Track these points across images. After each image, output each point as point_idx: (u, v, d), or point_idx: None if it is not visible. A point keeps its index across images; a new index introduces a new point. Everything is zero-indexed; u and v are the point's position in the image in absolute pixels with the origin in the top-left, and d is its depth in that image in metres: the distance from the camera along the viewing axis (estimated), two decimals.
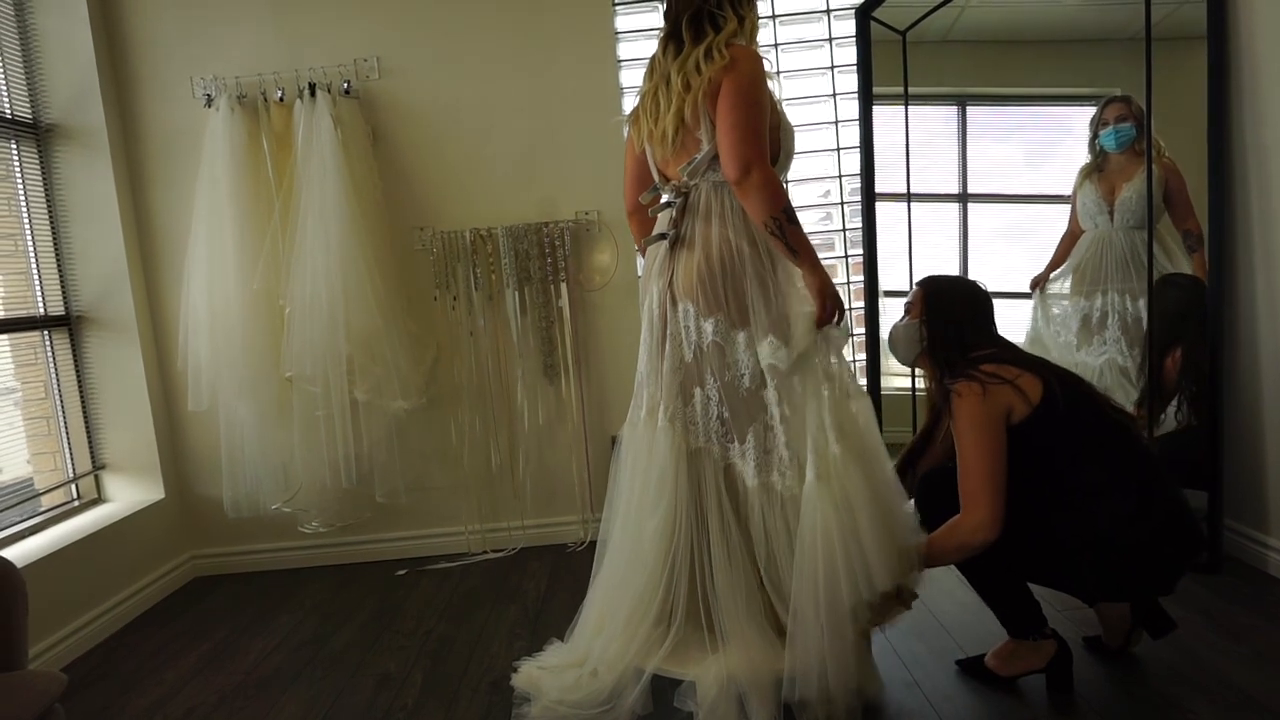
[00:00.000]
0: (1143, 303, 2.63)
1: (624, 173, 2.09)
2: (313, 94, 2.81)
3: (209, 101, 2.87)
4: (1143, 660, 1.99)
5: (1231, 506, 2.49)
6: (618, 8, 2.99)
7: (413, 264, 2.98)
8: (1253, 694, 1.81)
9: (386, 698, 2.11)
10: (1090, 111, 2.93)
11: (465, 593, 2.75)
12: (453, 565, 2.99)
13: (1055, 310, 2.95)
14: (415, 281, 2.97)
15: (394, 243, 2.93)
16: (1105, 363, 2.79)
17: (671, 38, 1.89)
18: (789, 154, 1.92)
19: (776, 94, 1.89)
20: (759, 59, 1.81)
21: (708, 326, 1.85)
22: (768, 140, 1.80)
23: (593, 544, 2.12)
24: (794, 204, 3.16)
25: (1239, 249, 2.40)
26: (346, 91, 2.88)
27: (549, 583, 2.76)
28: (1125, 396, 2.75)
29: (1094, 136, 2.76)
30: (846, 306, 1.87)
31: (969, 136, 3.38)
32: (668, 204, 1.93)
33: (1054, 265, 2.90)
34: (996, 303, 3.32)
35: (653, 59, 1.94)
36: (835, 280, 3.17)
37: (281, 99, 2.87)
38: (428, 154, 2.98)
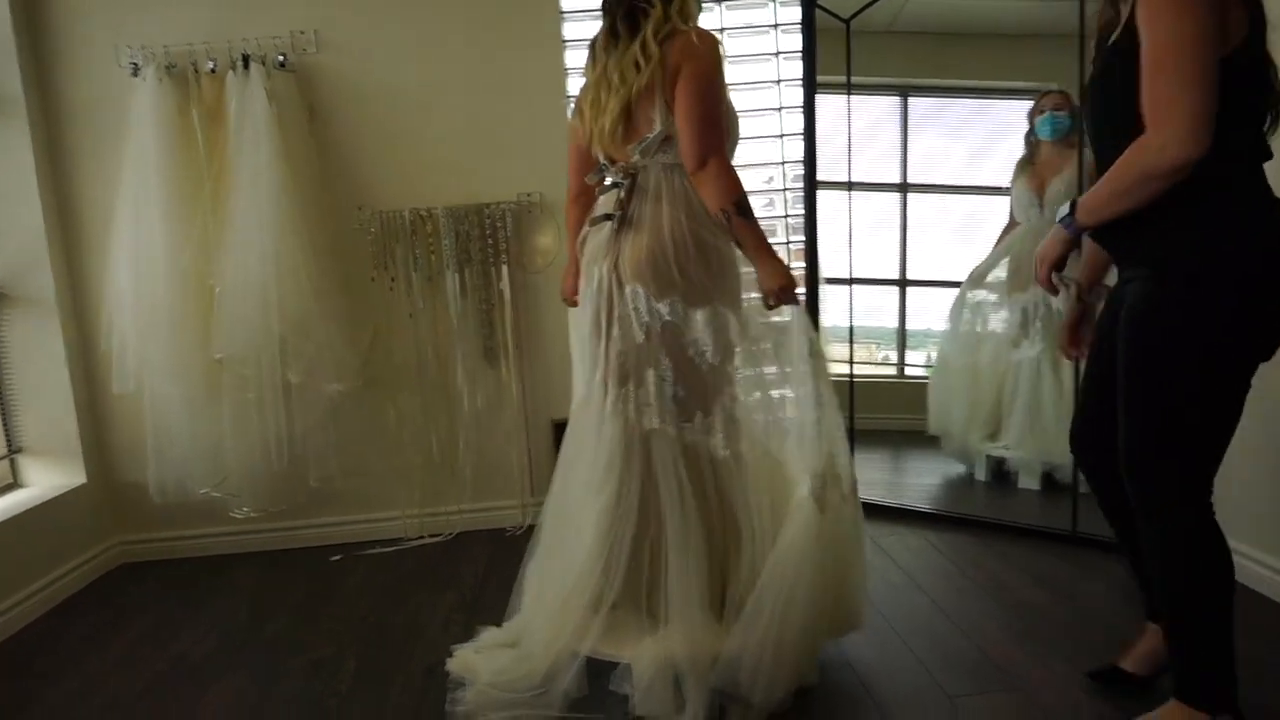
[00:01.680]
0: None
1: (567, 160, 2.07)
2: (246, 66, 2.72)
3: (135, 71, 2.76)
4: (1060, 631, 2.06)
5: None
6: None
7: (350, 244, 2.91)
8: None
9: (319, 684, 2.07)
10: (1028, 106, 3.00)
11: (401, 578, 2.72)
12: (389, 550, 2.95)
13: (992, 301, 3.02)
14: (353, 262, 2.91)
15: (331, 222, 2.86)
16: (1036, 356, 2.87)
17: (610, 32, 1.88)
18: (735, 139, 1.94)
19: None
20: (717, 46, 1.81)
21: (662, 308, 1.84)
22: (725, 128, 1.80)
23: (532, 528, 2.11)
24: None
25: None
26: (282, 65, 2.79)
27: (487, 567, 2.74)
28: (1058, 390, 2.83)
29: (1030, 126, 2.82)
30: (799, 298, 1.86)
31: (911, 127, 3.44)
32: (614, 185, 1.91)
33: (992, 255, 2.97)
34: (936, 292, 3.41)
35: (593, 50, 1.93)
36: None
37: (213, 70, 2.77)
38: (367, 131, 2.91)
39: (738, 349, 1.85)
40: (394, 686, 2.03)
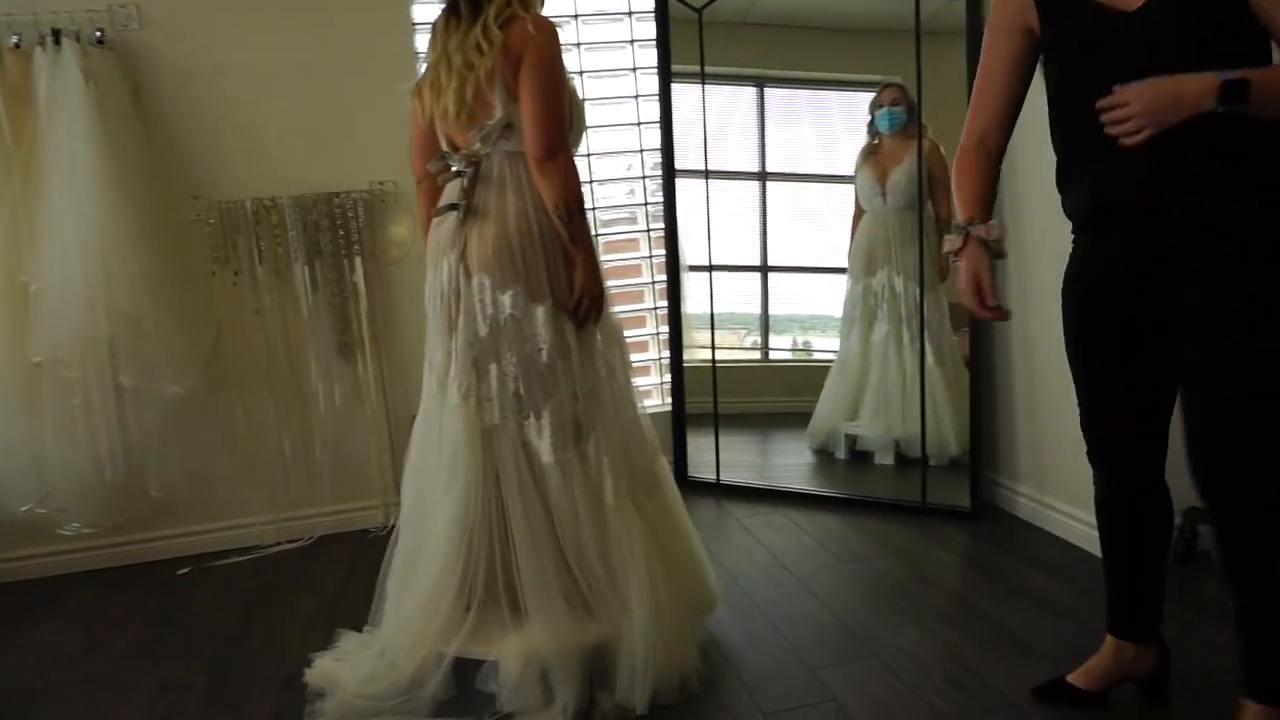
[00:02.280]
0: (907, 281, 2.86)
1: (410, 141, 2.01)
2: (56, 41, 2.49)
3: None
4: (912, 599, 2.17)
5: (989, 458, 2.76)
6: None
7: (187, 236, 2.72)
8: (1008, 627, 2.02)
9: (164, 707, 1.94)
10: (872, 97, 3.12)
11: (257, 588, 2.58)
12: (243, 559, 2.79)
13: (845, 287, 3.12)
14: (190, 255, 2.72)
15: (163, 212, 2.66)
16: (884, 337, 3.01)
17: (451, 12, 1.83)
18: (580, 127, 1.93)
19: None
20: (557, 33, 1.79)
21: (505, 299, 1.81)
22: (568, 118, 1.78)
23: (395, 528, 2.04)
24: (598, 177, 3.19)
25: None
26: (100, 41, 2.57)
27: (349, 571, 2.64)
28: (901, 369, 2.97)
29: (871, 119, 2.94)
30: (607, 309, 1.91)
31: (768, 117, 3.51)
32: (457, 173, 1.86)
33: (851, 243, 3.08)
34: (796, 279, 3.51)
35: (434, 31, 1.87)
36: (637, 254, 3.25)
37: (18, 45, 2.51)
38: (200, 115, 2.72)
39: (572, 351, 1.84)
40: (248, 703, 1.93)
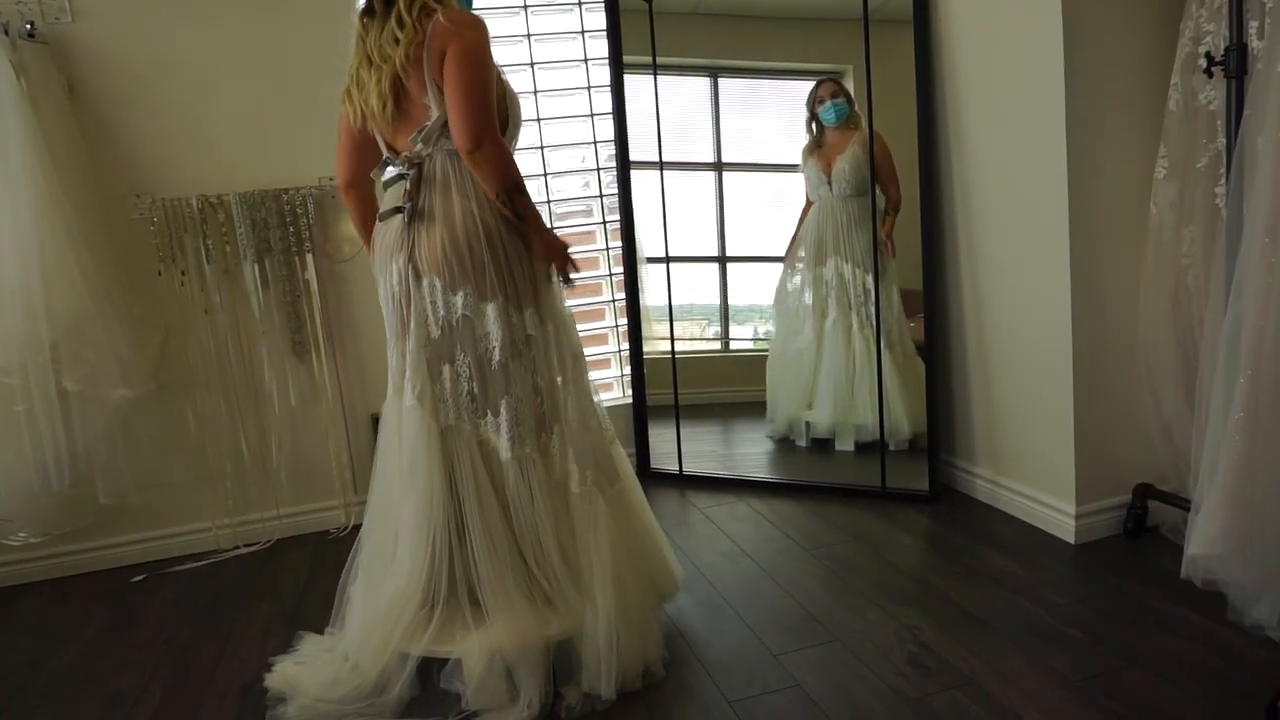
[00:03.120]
0: (856, 269, 2.89)
1: (337, 146, 1.98)
2: None
3: None
4: (873, 583, 2.20)
5: (946, 442, 2.80)
6: None
7: (130, 236, 2.65)
8: (967, 607, 2.06)
9: (117, 719, 1.89)
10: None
11: (214, 593, 2.53)
12: (199, 565, 2.73)
13: (796, 279, 3.15)
14: (134, 255, 2.65)
15: (104, 212, 2.58)
16: (832, 323, 3.04)
17: (367, 11, 1.81)
18: (517, 124, 1.90)
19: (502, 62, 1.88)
20: (483, 25, 1.76)
21: (457, 300, 1.79)
22: (496, 110, 1.76)
23: (357, 528, 2.01)
24: (552, 170, 3.17)
25: (944, 211, 2.68)
26: (30, 35, 2.48)
27: (309, 574, 2.60)
28: (850, 355, 3.01)
29: (812, 115, 2.97)
30: (576, 261, 1.91)
31: (722, 107, 3.51)
32: (399, 176, 1.84)
33: (795, 235, 3.10)
34: (756, 268, 3.53)
35: (356, 37, 1.85)
36: (594, 247, 3.24)
37: None
38: (140, 112, 2.64)
39: (535, 345, 1.84)
40: (204, 711, 1.89)
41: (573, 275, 1.88)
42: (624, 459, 2.00)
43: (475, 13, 1.84)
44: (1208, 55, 1.95)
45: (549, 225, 1.93)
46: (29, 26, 2.48)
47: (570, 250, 1.88)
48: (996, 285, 2.53)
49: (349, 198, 2.01)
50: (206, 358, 2.74)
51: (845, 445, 3.17)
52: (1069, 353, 2.27)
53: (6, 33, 2.42)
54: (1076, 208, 2.21)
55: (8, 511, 2.53)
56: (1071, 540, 2.33)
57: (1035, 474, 2.48)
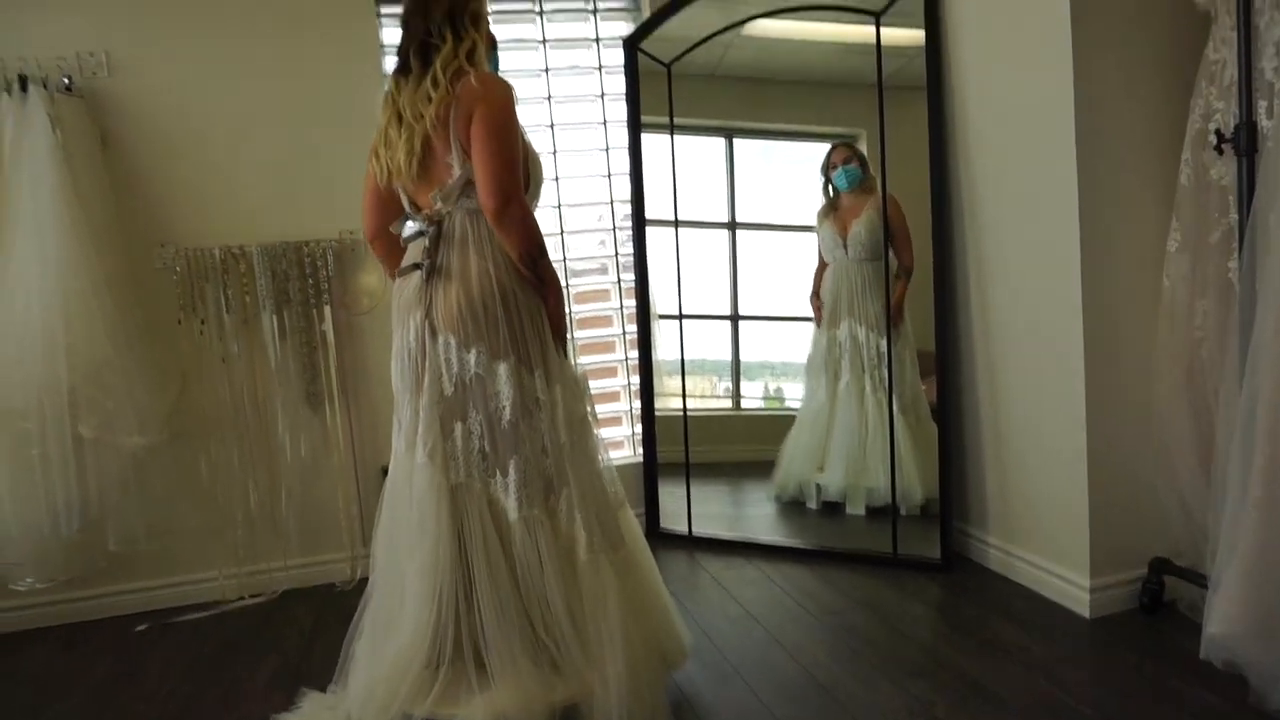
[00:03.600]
0: (870, 332, 2.89)
1: (364, 212, 2.04)
2: (24, 88, 2.48)
3: None
4: (883, 653, 2.16)
5: (959, 508, 2.78)
6: (383, 19, 2.88)
7: (153, 284, 2.69)
8: (979, 681, 2.01)
9: None
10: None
11: (218, 645, 2.50)
12: (204, 615, 2.72)
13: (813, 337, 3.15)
14: (156, 303, 2.69)
15: (129, 260, 2.63)
16: (845, 386, 3.04)
17: (401, 70, 1.86)
18: (538, 183, 1.95)
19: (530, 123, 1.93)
20: (509, 88, 1.82)
21: (470, 358, 1.81)
22: (522, 172, 1.80)
23: (364, 581, 2.00)
24: (568, 228, 3.21)
25: (957, 275, 2.69)
26: (68, 88, 2.56)
27: (314, 627, 2.57)
28: (863, 418, 3.00)
29: (826, 179, 3.01)
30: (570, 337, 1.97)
31: (737, 166, 3.57)
32: (419, 233, 1.87)
33: (815, 294, 3.12)
34: (766, 326, 3.54)
35: (387, 93, 1.90)
36: (608, 305, 3.27)
37: None
38: (169, 163, 2.71)
39: (544, 406, 1.84)
40: None
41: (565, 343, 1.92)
42: (633, 522, 1.99)
43: (503, 76, 1.89)
44: (1218, 133, 1.97)
45: (564, 278, 1.97)
46: (67, 81, 2.56)
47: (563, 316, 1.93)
48: (1009, 352, 2.53)
49: (377, 249, 2.05)
50: (221, 406, 2.76)
51: (856, 509, 3.14)
52: (1082, 423, 2.26)
53: (45, 86, 2.50)
54: (1089, 278, 2.22)
55: (17, 556, 2.53)
56: (1086, 614, 2.29)
57: (1049, 545, 2.44)
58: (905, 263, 2.80)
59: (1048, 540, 2.44)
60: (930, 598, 2.51)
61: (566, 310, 1.95)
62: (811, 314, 3.14)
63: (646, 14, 3.05)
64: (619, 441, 3.31)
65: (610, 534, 1.88)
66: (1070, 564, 2.35)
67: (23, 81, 2.48)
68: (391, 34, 2.87)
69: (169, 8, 2.69)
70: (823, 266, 3.09)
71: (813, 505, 3.19)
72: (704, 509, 3.16)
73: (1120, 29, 2.20)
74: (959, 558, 2.74)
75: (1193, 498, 2.14)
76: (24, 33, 2.56)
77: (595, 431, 1.95)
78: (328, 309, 2.80)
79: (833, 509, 3.17)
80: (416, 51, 1.83)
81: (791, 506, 3.26)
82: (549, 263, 1.86)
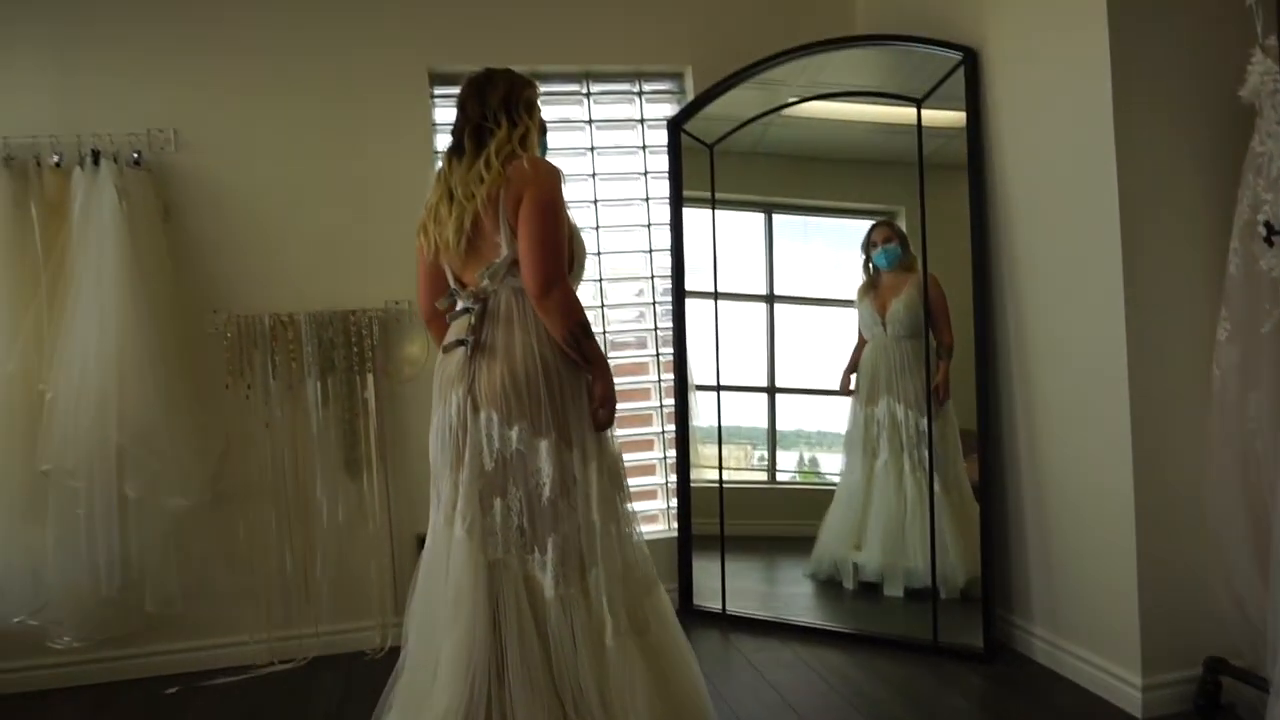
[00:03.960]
0: (909, 410, 2.86)
1: (417, 281, 2.08)
2: (96, 162, 2.60)
3: None
4: None
5: (1002, 595, 2.70)
6: (436, 100, 2.99)
7: (203, 349, 2.77)
8: None
9: None
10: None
11: (246, 711, 2.50)
12: (234, 680, 2.71)
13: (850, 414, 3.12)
14: (205, 368, 2.76)
15: (183, 325, 2.71)
16: (883, 464, 2.99)
17: (455, 151, 1.92)
18: (582, 264, 1.99)
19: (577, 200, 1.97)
20: (558, 173, 1.87)
21: (512, 434, 1.82)
22: (566, 254, 1.84)
23: (394, 650, 1.99)
24: (608, 302, 3.25)
25: (999, 358, 2.66)
26: (137, 162, 2.68)
27: (342, 697, 2.55)
28: (901, 496, 2.94)
29: (866, 257, 3.02)
30: (611, 437, 1.95)
31: (775, 241, 3.60)
32: (464, 310, 1.91)
33: (850, 370, 3.10)
34: (804, 400, 3.53)
35: (440, 170, 1.96)
36: (646, 378, 3.28)
37: (59, 164, 2.63)
38: (227, 233, 2.81)
39: (579, 485, 1.84)
40: None
41: (603, 422, 1.90)
42: (665, 602, 1.96)
43: (551, 160, 1.94)
44: (1267, 224, 1.95)
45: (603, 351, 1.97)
46: (136, 156, 2.68)
47: (613, 399, 1.90)
48: (1054, 435, 2.49)
49: (432, 329, 2.09)
50: (262, 470, 2.79)
51: (894, 590, 3.06)
52: (1131, 512, 2.20)
53: (115, 161, 2.62)
54: (1135, 362, 2.19)
55: (57, 614, 2.56)
56: (1139, 714, 2.19)
57: (1098, 639, 2.36)
58: (945, 341, 2.78)
59: (1097, 634, 2.36)
60: (972, 689, 2.43)
61: (615, 389, 1.92)
62: (845, 388, 3.11)
63: (690, 97, 3.13)
64: (653, 515, 3.29)
65: (637, 617, 1.85)
66: (1121, 660, 2.26)
67: (95, 156, 2.60)
68: (444, 113, 2.98)
69: (236, 87, 2.82)
70: (861, 343, 3.08)
71: (849, 585, 3.12)
72: (738, 584, 3.11)
73: (1164, 117, 2.21)
74: (1003, 647, 2.65)
75: (1249, 596, 2.06)
76: (102, 110, 2.70)
77: (629, 509, 1.94)
78: (370, 377, 2.84)
79: (870, 589, 3.10)
80: (471, 134, 1.89)
81: (828, 585, 3.20)
82: (594, 343, 1.87)
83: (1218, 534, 2.14)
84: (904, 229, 2.96)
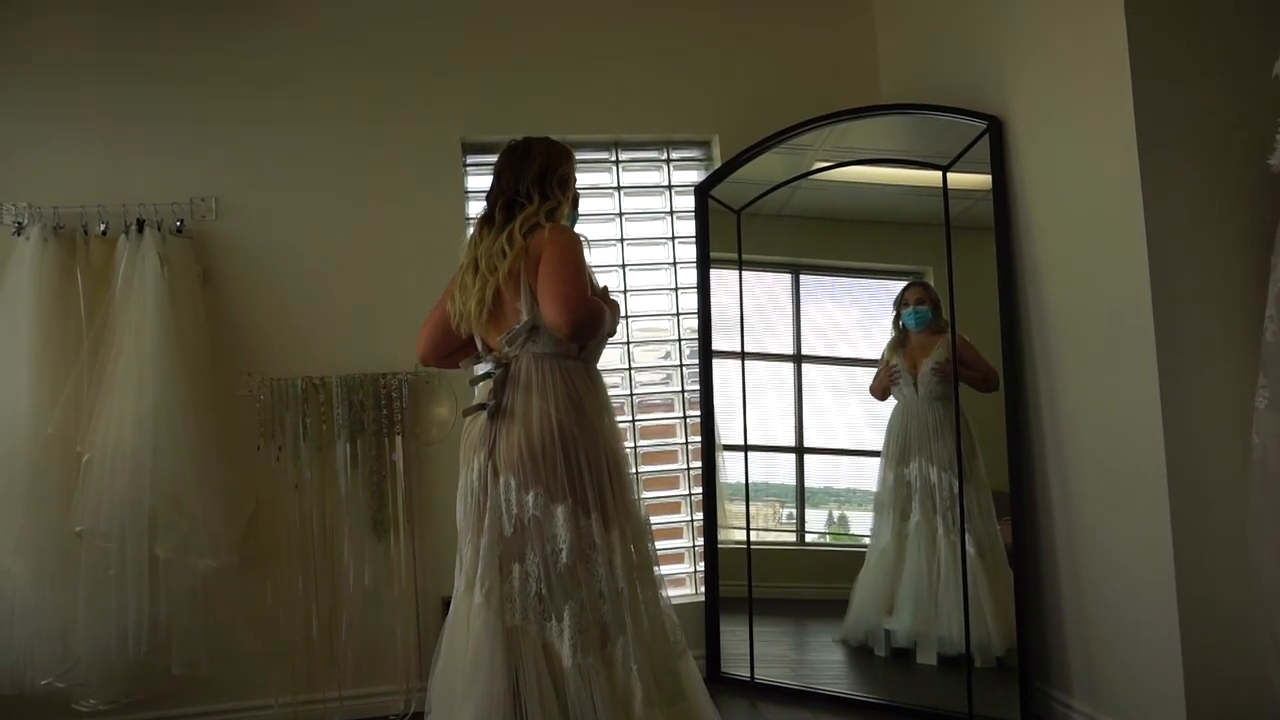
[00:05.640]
0: (942, 472, 2.82)
1: (426, 324, 2.14)
2: (140, 230, 2.68)
3: (19, 230, 2.68)
4: None
5: (1040, 666, 2.62)
6: (469, 168, 3.07)
7: (236, 411, 2.81)
8: None
9: None
10: (904, 284, 3.20)
11: None
12: None
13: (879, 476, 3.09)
14: (237, 429, 2.79)
15: (217, 388, 2.76)
16: (915, 526, 2.94)
17: (486, 220, 1.96)
18: (616, 320, 2.02)
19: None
20: (577, 236, 1.91)
21: (529, 500, 1.83)
22: (589, 288, 1.89)
23: (417, 716, 1.97)
24: (635, 364, 3.26)
25: (1030, 424, 2.63)
26: (179, 230, 2.76)
27: None
28: (934, 560, 2.89)
29: (897, 315, 3.01)
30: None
31: (803, 301, 3.61)
32: (487, 374, 1.93)
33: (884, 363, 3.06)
34: (833, 460, 3.50)
35: (470, 238, 2.00)
36: (673, 440, 3.28)
37: (105, 233, 2.72)
38: (262, 297, 2.88)
39: (600, 550, 1.84)
40: None
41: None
42: (694, 671, 1.93)
43: (576, 229, 1.98)
44: None
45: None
46: (179, 224, 2.77)
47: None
48: (1088, 501, 2.44)
49: (429, 364, 2.19)
50: (291, 532, 2.81)
51: (927, 658, 2.98)
52: (1172, 583, 2.14)
53: (159, 229, 2.71)
54: (1171, 430, 2.15)
55: (84, 676, 2.57)
56: None
57: (1141, 713, 2.27)
58: (987, 374, 2.73)
59: (1139, 707, 2.28)
60: None
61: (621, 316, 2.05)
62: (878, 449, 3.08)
63: (717, 163, 3.19)
64: (680, 579, 3.25)
65: (668, 687, 1.83)
66: None
67: (140, 224, 2.69)
68: (476, 180, 3.05)
69: (276, 157, 2.92)
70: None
71: (881, 652, 3.05)
72: (767, 650, 3.05)
73: (1192, 184, 2.20)
74: None
75: None
76: (146, 178, 2.80)
77: (657, 573, 1.92)
78: (399, 439, 2.87)
79: (902, 655, 3.02)
80: (503, 206, 1.94)
81: (859, 652, 3.13)
82: (614, 305, 1.99)
83: (1263, 604, 2.07)
84: (937, 292, 2.96)
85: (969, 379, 2.78)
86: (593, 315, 1.83)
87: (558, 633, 1.81)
